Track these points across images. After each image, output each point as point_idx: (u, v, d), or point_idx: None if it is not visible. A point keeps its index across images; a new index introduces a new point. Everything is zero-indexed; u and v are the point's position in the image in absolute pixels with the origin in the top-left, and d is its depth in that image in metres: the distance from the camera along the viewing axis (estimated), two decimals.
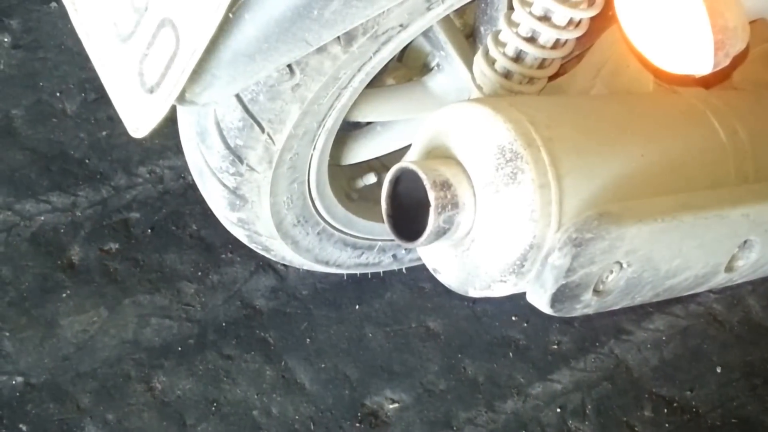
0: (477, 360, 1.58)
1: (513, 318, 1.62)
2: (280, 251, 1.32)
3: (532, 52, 1.12)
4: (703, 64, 0.94)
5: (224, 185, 1.18)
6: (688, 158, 1.11)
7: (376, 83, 1.30)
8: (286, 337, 1.57)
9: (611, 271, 1.02)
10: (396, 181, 1.02)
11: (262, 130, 1.11)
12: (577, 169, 1.01)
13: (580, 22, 1.11)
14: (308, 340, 1.57)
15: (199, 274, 1.62)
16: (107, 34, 0.97)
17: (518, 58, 1.14)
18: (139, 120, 0.94)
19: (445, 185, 0.98)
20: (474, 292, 1.04)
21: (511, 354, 1.60)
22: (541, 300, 1.00)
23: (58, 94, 1.78)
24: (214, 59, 0.94)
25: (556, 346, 1.61)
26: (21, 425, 1.43)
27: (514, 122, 0.98)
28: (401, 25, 1.05)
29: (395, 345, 1.58)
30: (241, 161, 1.14)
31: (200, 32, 0.88)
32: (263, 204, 1.20)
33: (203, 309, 1.58)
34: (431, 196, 0.97)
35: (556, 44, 1.13)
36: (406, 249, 1.47)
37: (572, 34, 1.11)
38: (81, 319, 1.54)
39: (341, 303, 1.61)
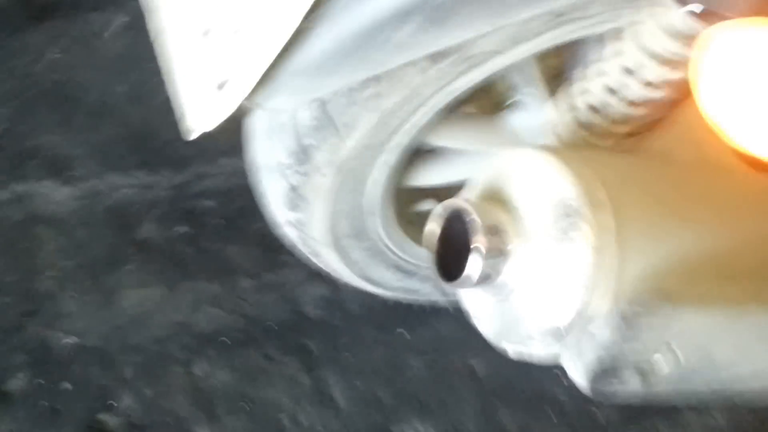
0: (514, 410, 1.63)
1: (557, 373, 1.67)
2: (328, 260, 1.41)
3: (616, 106, 1.17)
4: None
5: (287, 183, 1.26)
6: (763, 247, 1.10)
7: (456, 108, 1.38)
8: (327, 348, 1.67)
9: (659, 354, 1.00)
10: (448, 217, 1.04)
11: (336, 131, 1.16)
12: (642, 237, 0.99)
13: (670, 82, 1.14)
14: (349, 355, 1.67)
15: (257, 270, 1.74)
16: (185, 29, 1.05)
17: (601, 110, 1.19)
18: (202, 117, 1.00)
19: (493, 230, 0.99)
20: (508, 346, 1.05)
21: (550, 411, 1.65)
22: (576, 370, 0.99)
23: (160, 78, 1.95)
24: (284, 67, 1.00)
25: (597, 411, 1.65)
26: (65, 382, 1.59)
27: (583, 178, 0.98)
28: (497, 51, 1.10)
29: (434, 378, 1.66)
30: (309, 160, 1.20)
31: (275, 37, 0.93)
32: (322, 208, 1.26)
33: (254, 305, 1.71)
34: (478, 239, 0.98)
35: (643, 101, 1.17)
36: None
37: (660, 93, 1.15)
38: (140, 293, 1.70)
39: (389, 326, 1.70)
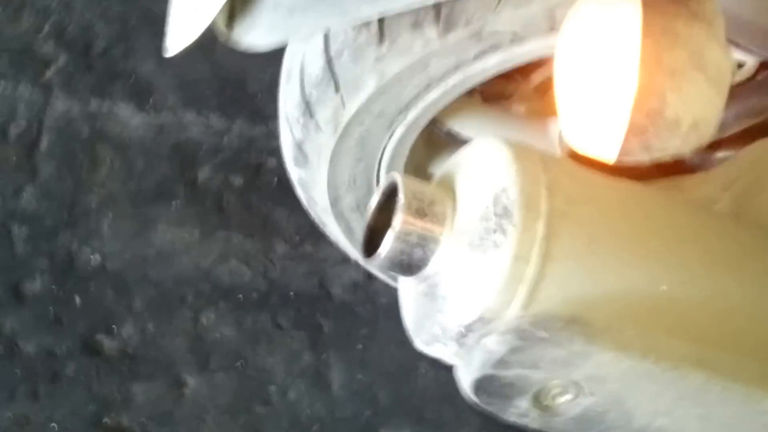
0: None
1: None
2: (333, 231, 1.35)
3: None
4: (606, 146, 0.80)
5: (293, 135, 1.23)
6: (732, 311, 0.97)
7: (502, 102, 1.30)
8: (341, 333, 1.60)
9: (565, 391, 0.88)
10: (385, 192, 0.99)
11: (337, 89, 1.12)
12: (576, 259, 0.87)
13: None
14: (360, 346, 1.59)
15: (297, 238, 1.70)
16: None
17: None
18: (177, 37, 1.00)
19: (421, 213, 0.90)
20: (419, 344, 0.98)
21: None
22: (464, 380, 0.88)
23: None
24: (257, 3, 0.99)
25: None
26: (76, 296, 1.60)
27: (527, 178, 0.88)
28: (514, 34, 1.04)
29: (442, 392, 1.56)
30: (311, 115, 1.18)
31: None
32: (322, 170, 1.23)
33: (281, 271, 1.66)
34: (398, 218, 0.89)
35: None
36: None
37: None
38: (174, 231, 1.69)
39: None
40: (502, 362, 0.84)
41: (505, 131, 1.29)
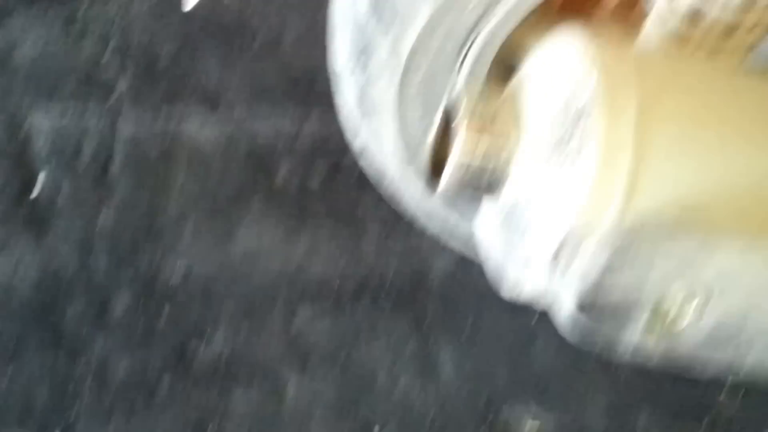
0: (657, 416, 1.40)
1: (724, 380, 1.42)
2: (414, 198, 1.27)
3: (716, 11, 0.96)
4: None
5: (351, 85, 1.14)
6: None
7: (583, 16, 1.23)
8: (447, 314, 1.53)
9: (691, 295, 0.77)
10: (444, 115, 0.93)
11: (388, 26, 1.03)
12: (674, 149, 0.79)
13: None
14: (470, 326, 1.51)
15: (388, 225, 1.64)
16: None
17: (697, 18, 0.98)
18: None
19: (483, 130, 0.85)
20: (507, 290, 0.89)
21: (707, 424, 1.39)
22: (563, 312, 0.79)
23: None
24: None
25: None
26: (165, 308, 1.56)
27: (606, 71, 0.80)
28: None
29: (566, 365, 1.46)
30: (367, 58, 1.08)
31: None
32: (389, 129, 1.12)
33: (376, 260, 1.60)
34: (459, 137, 0.85)
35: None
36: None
37: None
38: (260, 231, 1.64)
39: (523, 308, 1.53)
40: (605, 277, 0.75)
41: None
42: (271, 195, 1.69)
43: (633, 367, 1.45)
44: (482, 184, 0.87)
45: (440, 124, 0.92)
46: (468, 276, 1.56)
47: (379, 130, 1.19)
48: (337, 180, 1.71)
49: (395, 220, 1.63)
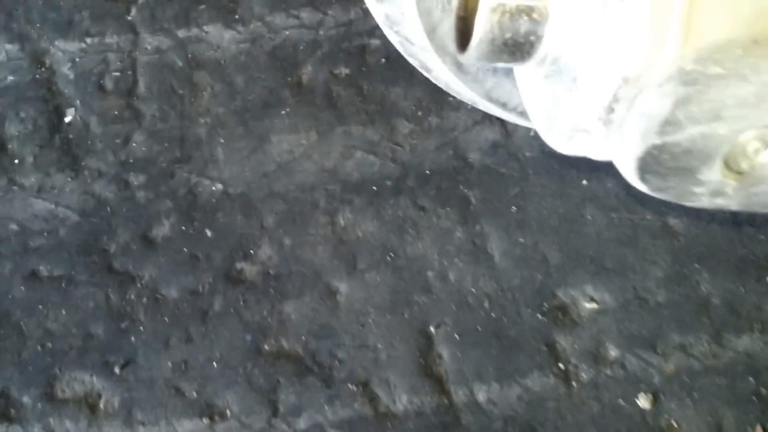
0: (718, 276, 1.36)
1: None
2: (441, 74, 1.23)
3: None
4: None
5: None
6: None
7: None
8: (490, 199, 1.50)
9: (765, 142, 0.71)
10: None
11: None
12: None
13: None
14: (514, 208, 1.48)
15: (419, 113, 1.60)
16: None
17: None
18: None
19: None
20: (557, 143, 0.84)
21: (766, 281, 1.35)
22: (625, 166, 0.74)
23: None
24: None
25: None
26: (207, 230, 1.57)
27: None
28: None
29: (617, 235, 1.42)
30: None
31: None
32: None
33: (411, 151, 1.57)
34: None
35: None
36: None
37: None
38: (291, 138, 1.63)
39: (567, 174, 1.49)
40: (669, 123, 0.68)
41: None
42: (300, 96, 1.66)
43: (686, 232, 1.40)
44: (519, 39, 0.78)
45: None
46: (508, 157, 1.52)
47: (398, 9, 1.13)
48: (363, 71, 1.67)
49: (426, 109, 1.60)
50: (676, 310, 1.34)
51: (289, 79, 1.69)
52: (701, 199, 0.78)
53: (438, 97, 1.60)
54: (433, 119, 1.58)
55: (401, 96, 1.61)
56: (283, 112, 1.65)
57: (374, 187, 1.54)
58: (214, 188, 1.59)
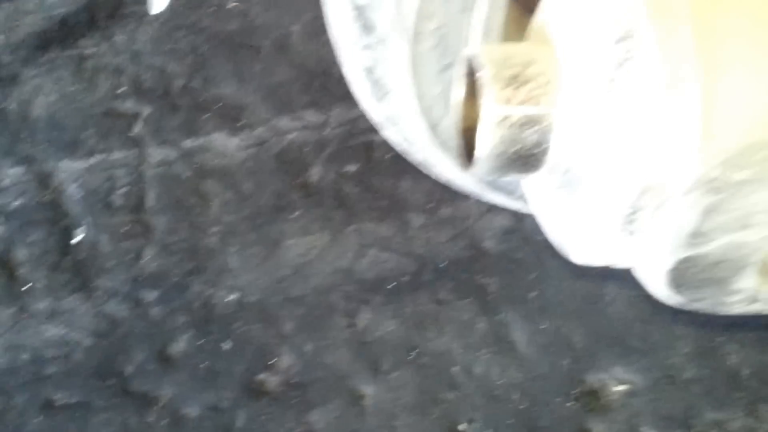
0: (745, 347, 1.36)
1: None
2: (445, 169, 1.25)
3: None
4: None
5: (361, 65, 1.13)
6: None
7: None
8: (509, 286, 1.51)
9: None
10: (467, 73, 0.79)
11: None
12: (751, 60, 0.64)
13: None
14: (533, 293, 1.49)
15: (431, 205, 1.62)
16: None
17: None
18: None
19: (515, 80, 0.73)
20: (579, 254, 0.79)
21: None
22: (654, 278, 0.73)
23: None
24: None
25: None
26: (225, 342, 1.58)
27: None
28: None
29: (639, 314, 1.43)
30: (371, 28, 1.04)
31: None
32: (407, 93, 1.12)
33: (426, 244, 1.58)
34: (488, 94, 0.72)
35: None
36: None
37: None
38: (304, 241, 1.65)
39: None
40: (697, 234, 0.66)
41: None
42: (310, 197, 1.69)
43: None
44: (527, 150, 0.75)
45: (461, 79, 0.84)
46: (522, 242, 1.54)
47: (398, 108, 1.15)
48: (370, 167, 1.70)
49: (437, 201, 1.62)
50: (707, 385, 1.34)
51: (298, 181, 1.71)
52: (736, 307, 0.77)
53: (447, 188, 1.61)
54: (445, 210, 1.60)
55: (411, 189, 1.64)
56: (293, 215, 1.67)
57: (391, 285, 1.55)
58: (229, 298, 1.61)
